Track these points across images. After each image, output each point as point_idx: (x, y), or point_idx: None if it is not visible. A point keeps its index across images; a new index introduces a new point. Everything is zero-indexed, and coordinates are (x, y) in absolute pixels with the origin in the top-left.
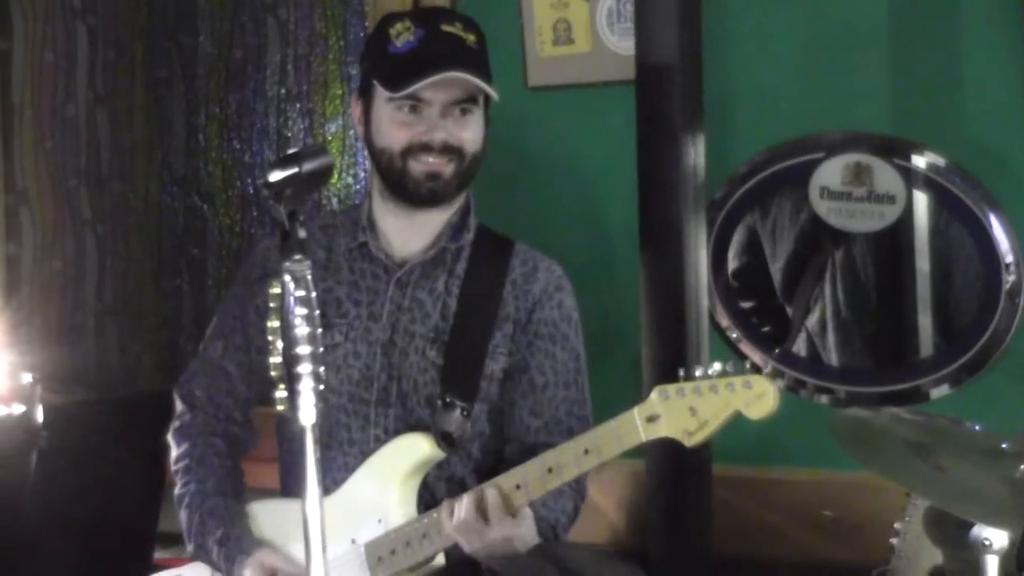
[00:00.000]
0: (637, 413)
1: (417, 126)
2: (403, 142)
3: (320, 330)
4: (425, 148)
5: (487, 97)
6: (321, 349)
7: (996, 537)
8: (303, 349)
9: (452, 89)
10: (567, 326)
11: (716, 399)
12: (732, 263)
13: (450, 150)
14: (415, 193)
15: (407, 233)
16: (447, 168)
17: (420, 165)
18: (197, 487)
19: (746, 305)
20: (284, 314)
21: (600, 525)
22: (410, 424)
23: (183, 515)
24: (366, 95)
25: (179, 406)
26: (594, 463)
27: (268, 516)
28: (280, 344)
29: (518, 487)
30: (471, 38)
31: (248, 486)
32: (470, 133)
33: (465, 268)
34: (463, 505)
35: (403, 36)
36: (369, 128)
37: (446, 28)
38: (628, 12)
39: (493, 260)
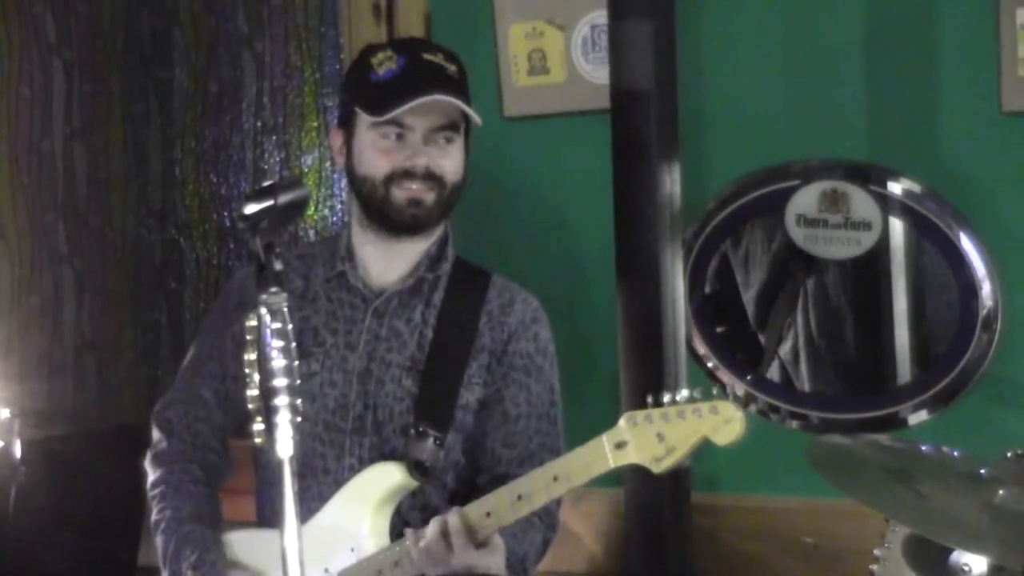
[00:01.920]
0: (606, 440)
1: (399, 153)
2: (386, 169)
3: (297, 362)
4: (408, 175)
5: (468, 126)
6: (298, 381)
7: (975, 563)
8: (279, 381)
9: (434, 115)
10: (542, 358)
11: (684, 425)
12: (707, 289)
13: (432, 177)
14: (397, 220)
15: (386, 262)
16: (428, 195)
17: (402, 192)
18: (173, 513)
19: (720, 329)
20: (260, 346)
21: (580, 554)
22: (384, 453)
23: (159, 540)
24: (347, 124)
25: (156, 433)
26: (563, 489)
27: (244, 545)
28: (256, 376)
29: (488, 515)
30: (452, 68)
31: (226, 518)
32: (451, 162)
33: (442, 298)
34: (427, 532)
35: (385, 65)
36: (350, 157)
37: (428, 57)
38: (603, 42)
39: (470, 291)
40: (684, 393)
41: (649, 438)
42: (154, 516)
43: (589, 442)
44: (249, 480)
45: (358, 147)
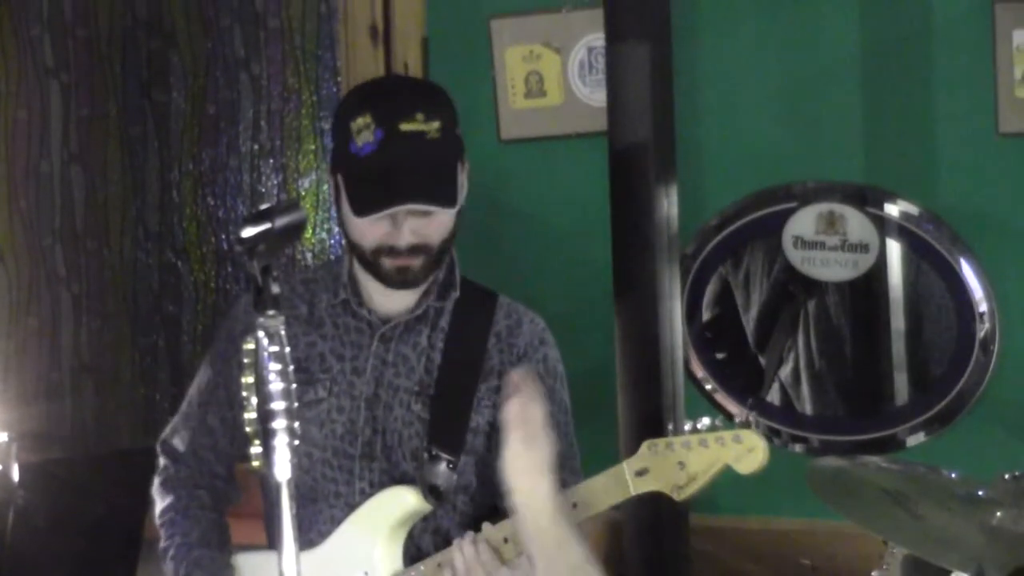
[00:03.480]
0: (626, 467)
1: (383, 228)
2: (371, 244)
3: (297, 385)
4: (392, 250)
5: (462, 164)
6: (298, 404)
7: None
8: (278, 404)
9: None
10: (552, 379)
11: (706, 453)
12: (706, 313)
13: (417, 249)
14: (389, 282)
15: (390, 297)
16: (416, 262)
17: (390, 261)
18: (182, 539)
19: (721, 355)
20: (258, 370)
21: None
22: (395, 477)
23: (168, 567)
24: (335, 176)
25: (162, 461)
26: (582, 517)
27: (253, 568)
28: (255, 400)
29: (506, 540)
30: (433, 127)
31: (235, 541)
32: (436, 227)
33: (449, 321)
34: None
35: (363, 135)
36: (340, 212)
37: (405, 127)
38: (599, 64)
39: (477, 313)
40: (705, 421)
41: (670, 466)
42: (163, 543)
43: (609, 469)
44: (258, 503)
45: (345, 209)
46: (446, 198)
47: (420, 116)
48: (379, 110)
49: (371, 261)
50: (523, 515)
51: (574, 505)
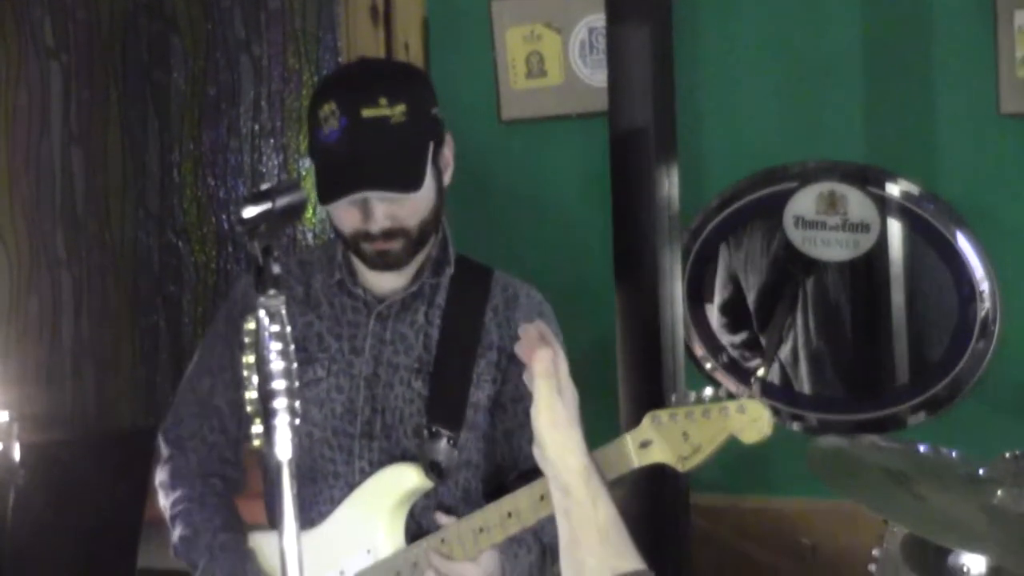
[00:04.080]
0: (630, 439)
1: (356, 216)
2: (348, 231)
3: (296, 365)
4: (368, 236)
5: (437, 146)
6: (299, 384)
7: (974, 564)
8: (279, 384)
9: None
10: None
11: (709, 424)
12: (717, 296)
13: (391, 233)
14: (372, 264)
15: (384, 276)
16: (394, 245)
17: (369, 246)
18: (204, 525)
19: (723, 335)
20: (259, 349)
21: None
22: (395, 456)
23: (191, 554)
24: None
25: (166, 450)
26: None
27: (267, 547)
28: (256, 379)
29: (509, 515)
30: (397, 111)
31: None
32: (408, 210)
33: (445, 298)
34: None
35: (329, 122)
36: None
37: (368, 113)
38: (600, 44)
39: (473, 289)
40: (708, 392)
41: (674, 437)
42: (181, 532)
43: (612, 441)
44: (258, 483)
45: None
46: (408, 183)
47: (383, 101)
48: (342, 96)
49: (352, 246)
50: (556, 469)
51: None
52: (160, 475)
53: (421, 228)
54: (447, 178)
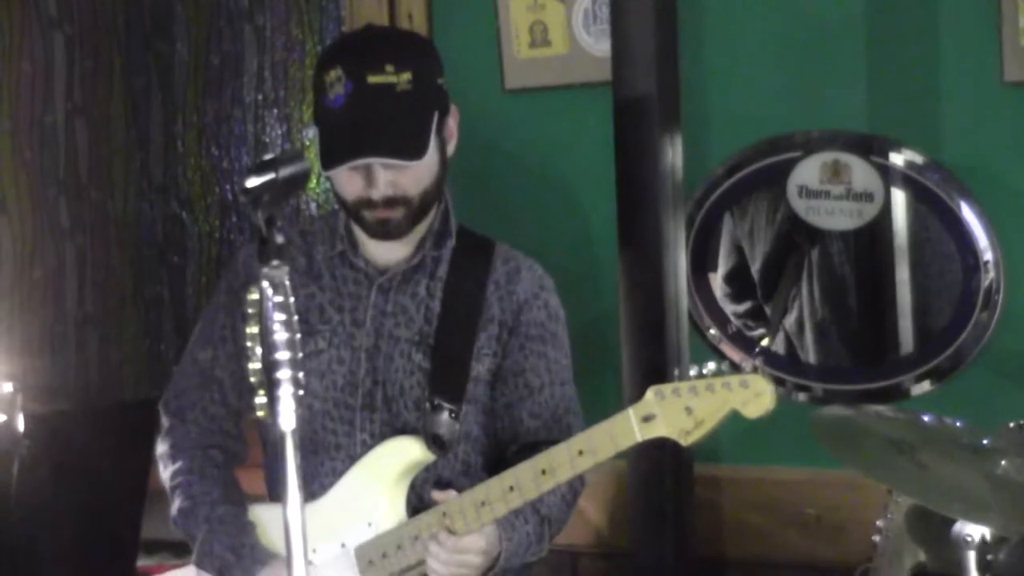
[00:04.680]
0: (632, 413)
1: (359, 183)
2: (350, 197)
3: (299, 335)
4: (370, 203)
5: (442, 116)
6: (301, 355)
7: (978, 533)
8: (282, 355)
9: None
10: (555, 324)
11: (712, 398)
12: (720, 265)
13: (393, 201)
14: (373, 233)
15: (385, 247)
16: (395, 213)
17: (370, 214)
18: (203, 497)
19: (727, 305)
20: (263, 320)
21: (583, 527)
22: (396, 428)
23: (189, 525)
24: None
25: (167, 421)
26: (589, 464)
27: (267, 520)
28: (259, 350)
29: (511, 489)
30: (403, 79)
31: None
32: (410, 179)
33: (447, 271)
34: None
35: (335, 88)
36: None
37: (373, 80)
38: (604, 14)
39: (474, 262)
40: (711, 366)
41: (677, 411)
42: (180, 503)
43: (615, 416)
44: (257, 454)
45: None
46: (411, 151)
47: (390, 68)
48: (349, 63)
49: (354, 214)
50: None
51: (580, 452)
52: (160, 446)
53: (423, 197)
54: (451, 149)
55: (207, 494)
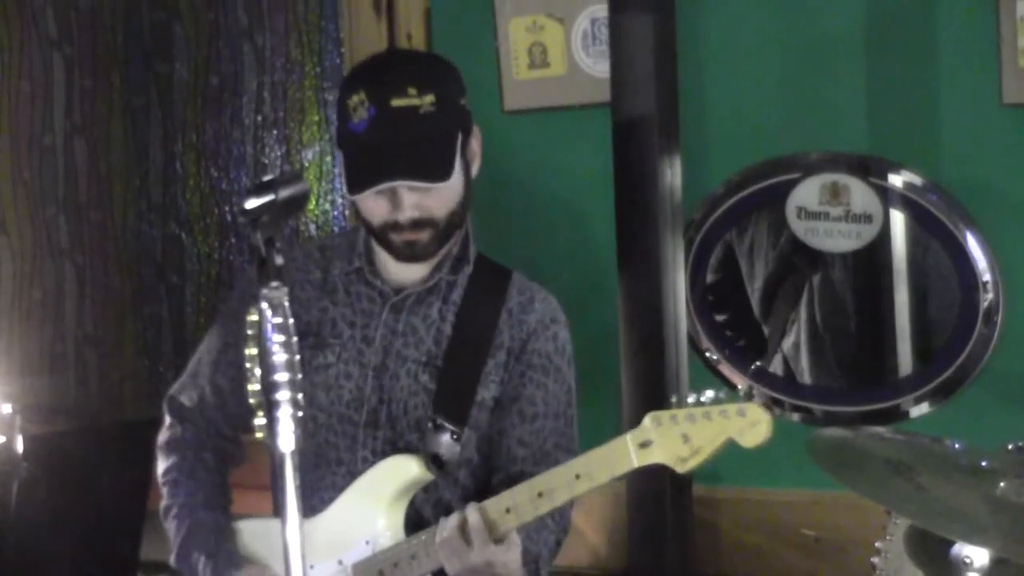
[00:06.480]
0: (630, 439)
1: (385, 206)
2: (377, 221)
3: (309, 349)
4: (396, 226)
5: (466, 137)
6: (303, 371)
7: (977, 555)
8: (281, 376)
9: None
10: (560, 359)
11: (710, 426)
12: (709, 278)
13: (420, 224)
14: (400, 256)
15: (403, 268)
16: (422, 235)
17: (397, 237)
18: (186, 499)
19: (724, 326)
20: (262, 341)
21: (582, 547)
22: (398, 447)
23: (171, 525)
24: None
25: (168, 418)
26: (585, 488)
27: (254, 534)
28: (258, 371)
29: (508, 511)
30: (427, 101)
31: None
32: (436, 200)
33: (461, 296)
34: (447, 525)
35: (358, 112)
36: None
37: (397, 103)
38: (603, 35)
39: (490, 289)
40: (709, 394)
41: (674, 438)
42: (165, 501)
43: (612, 441)
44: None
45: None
46: (437, 173)
47: (412, 91)
48: (372, 87)
49: (380, 237)
50: None
51: (577, 476)
52: (159, 441)
53: (449, 219)
54: (475, 170)
55: (192, 495)
